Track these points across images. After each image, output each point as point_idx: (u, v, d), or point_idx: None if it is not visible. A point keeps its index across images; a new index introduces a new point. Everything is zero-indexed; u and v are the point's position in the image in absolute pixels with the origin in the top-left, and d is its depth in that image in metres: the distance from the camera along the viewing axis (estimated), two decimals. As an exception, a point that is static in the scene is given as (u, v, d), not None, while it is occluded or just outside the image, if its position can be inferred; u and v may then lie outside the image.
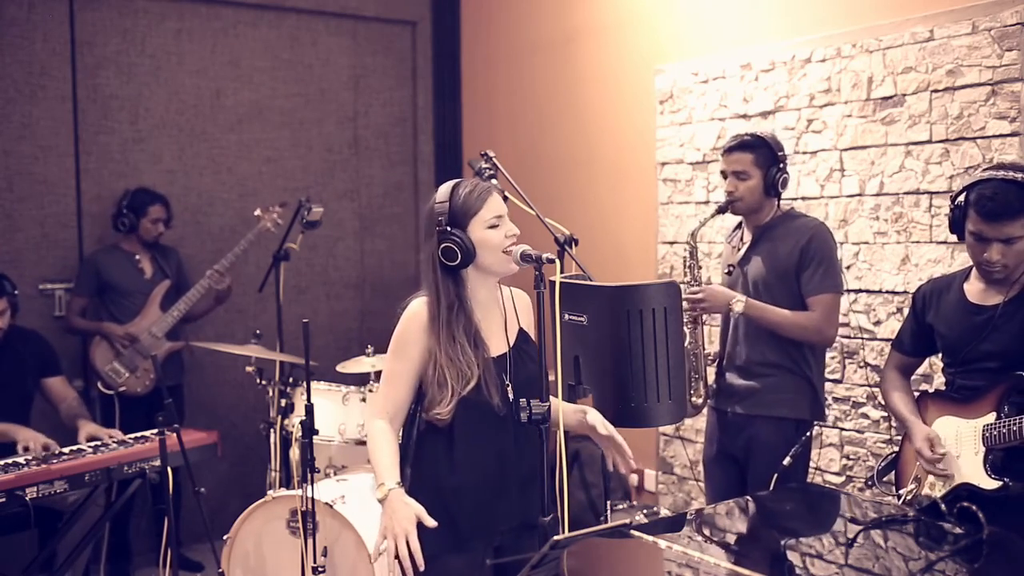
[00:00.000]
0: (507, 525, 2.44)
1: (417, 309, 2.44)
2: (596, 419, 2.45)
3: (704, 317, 3.39)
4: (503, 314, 2.49)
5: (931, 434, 2.72)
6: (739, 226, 3.39)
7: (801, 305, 3.17)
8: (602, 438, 2.46)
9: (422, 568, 2.26)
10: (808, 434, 3.15)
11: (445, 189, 2.42)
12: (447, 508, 2.39)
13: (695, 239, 3.36)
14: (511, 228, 2.41)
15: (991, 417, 2.62)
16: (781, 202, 3.29)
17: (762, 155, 3.21)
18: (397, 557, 2.26)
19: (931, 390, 2.91)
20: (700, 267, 3.34)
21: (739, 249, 3.32)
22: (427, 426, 2.41)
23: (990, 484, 2.59)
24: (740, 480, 3.28)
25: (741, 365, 3.25)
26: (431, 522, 2.29)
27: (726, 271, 3.33)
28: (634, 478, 4.78)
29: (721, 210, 3.30)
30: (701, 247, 3.41)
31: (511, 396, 2.41)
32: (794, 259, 3.16)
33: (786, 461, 2.95)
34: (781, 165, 3.22)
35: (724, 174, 3.28)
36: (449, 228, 2.36)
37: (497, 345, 2.45)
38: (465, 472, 2.39)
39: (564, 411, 2.49)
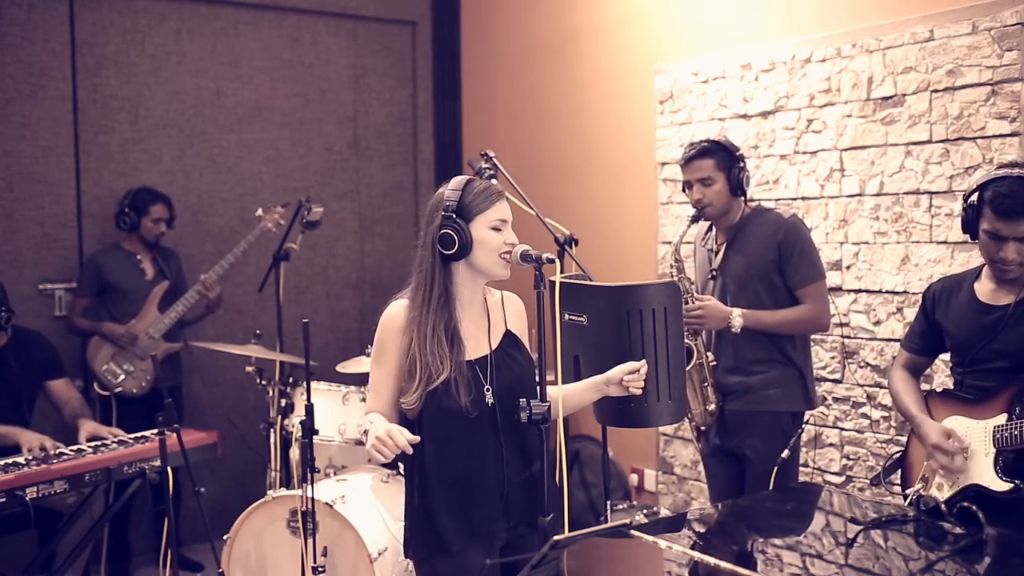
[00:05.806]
0: (496, 527, 2.41)
1: (394, 312, 2.44)
2: (599, 376, 2.45)
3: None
4: (488, 317, 2.48)
5: (946, 429, 2.67)
6: (710, 228, 3.39)
7: (785, 298, 3.21)
8: (617, 378, 2.43)
9: (416, 440, 2.26)
10: (802, 425, 3.17)
11: (459, 181, 2.43)
12: (429, 511, 2.39)
13: (679, 253, 3.34)
14: (511, 236, 2.42)
15: (1002, 418, 2.59)
16: (749, 201, 3.32)
17: (721, 158, 3.23)
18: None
19: (938, 389, 2.88)
20: (689, 279, 3.34)
21: (715, 252, 3.33)
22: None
23: (1001, 486, 2.56)
24: (740, 474, 3.29)
25: (732, 363, 3.26)
26: (414, 438, 2.27)
27: (709, 276, 3.33)
28: (634, 478, 4.78)
29: (695, 219, 3.30)
30: (682, 249, 3.39)
31: (490, 400, 2.40)
32: (771, 256, 3.19)
33: (784, 454, 2.97)
34: (741, 164, 3.24)
35: (688, 184, 3.29)
36: (455, 216, 2.37)
37: (477, 348, 2.44)
38: (437, 473, 2.39)
39: (574, 394, 2.49)
